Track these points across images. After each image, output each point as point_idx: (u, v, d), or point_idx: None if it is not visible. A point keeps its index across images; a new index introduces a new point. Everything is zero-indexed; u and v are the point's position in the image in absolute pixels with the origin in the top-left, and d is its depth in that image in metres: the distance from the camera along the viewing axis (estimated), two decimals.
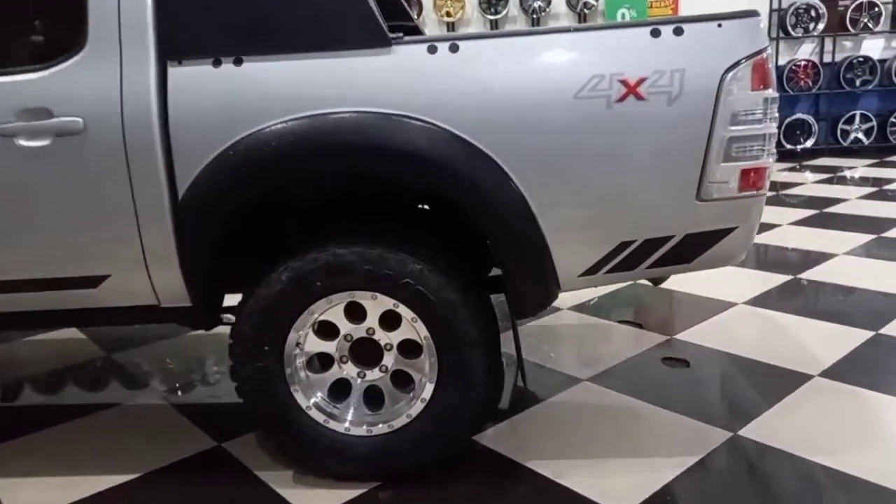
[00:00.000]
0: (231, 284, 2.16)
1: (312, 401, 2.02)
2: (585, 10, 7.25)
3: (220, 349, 3.03)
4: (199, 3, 1.81)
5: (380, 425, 2.01)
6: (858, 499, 1.93)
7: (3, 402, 2.75)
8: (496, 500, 1.98)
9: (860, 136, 7.73)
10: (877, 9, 7.41)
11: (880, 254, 4.07)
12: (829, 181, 6.40)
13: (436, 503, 1.98)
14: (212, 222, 1.88)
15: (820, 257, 4.04)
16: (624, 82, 1.77)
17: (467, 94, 1.78)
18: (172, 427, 2.45)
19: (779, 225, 4.80)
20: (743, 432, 2.24)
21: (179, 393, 2.73)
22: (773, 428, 2.27)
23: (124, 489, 2.10)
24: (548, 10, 7.29)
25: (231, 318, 2.03)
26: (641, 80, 1.77)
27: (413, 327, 1.93)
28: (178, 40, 1.82)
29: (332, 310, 1.95)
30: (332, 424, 2.02)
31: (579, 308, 3.41)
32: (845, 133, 7.75)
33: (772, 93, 1.83)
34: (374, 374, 2.02)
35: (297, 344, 1.97)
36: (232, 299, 2.13)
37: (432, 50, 1.80)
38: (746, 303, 3.37)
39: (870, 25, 7.46)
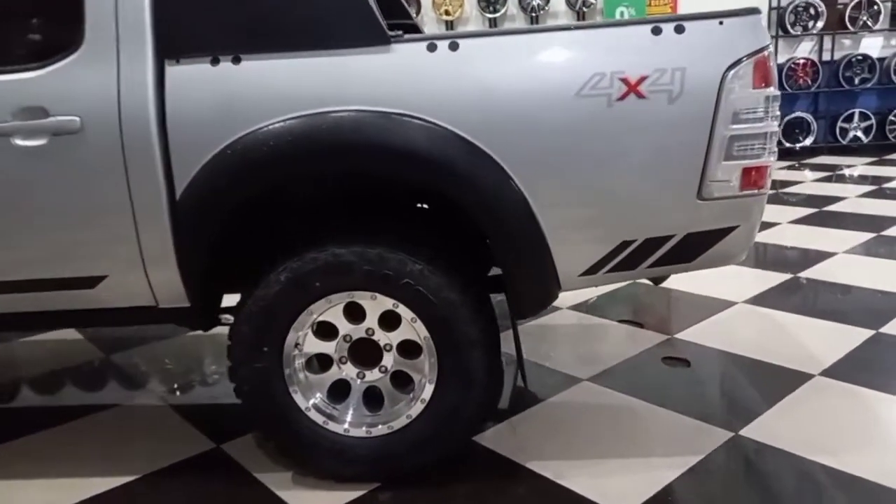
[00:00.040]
0: (229, 285, 2.14)
1: (311, 402, 2.00)
2: (584, 9, 7.24)
3: (218, 350, 3.02)
4: (197, 1, 1.80)
5: (379, 426, 2.00)
6: (860, 499, 1.92)
7: (1, 403, 2.73)
8: (496, 502, 1.97)
9: (859, 134, 7.72)
10: (876, 7, 7.40)
11: (880, 252, 4.07)
12: (828, 179, 6.40)
13: None
14: (210, 222, 1.87)
15: (819, 256, 4.03)
16: (625, 81, 1.76)
17: (467, 93, 1.77)
18: (171, 428, 2.44)
19: (778, 223, 4.80)
20: (744, 432, 2.24)
21: (178, 394, 2.72)
22: (774, 427, 2.26)
23: (123, 491, 2.09)
24: (546, 8, 7.28)
25: (229, 318, 2.01)
26: (642, 79, 1.76)
27: (413, 328, 1.92)
28: (176, 39, 1.80)
29: (331, 310, 1.94)
30: (332, 426, 2.01)
31: (579, 307, 3.40)
32: (844, 131, 7.74)
33: (773, 91, 1.82)
34: (373, 375, 2.01)
35: (296, 345, 1.96)
36: (230, 299, 2.11)
37: (432, 48, 1.78)
38: (746, 302, 3.36)
39: (869, 24, 7.45)
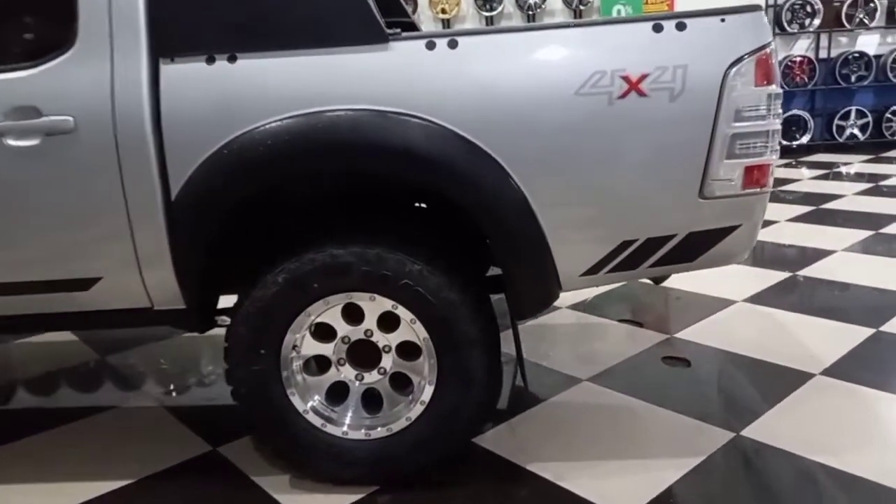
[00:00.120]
0: (226, 286, 2.12)
1: (310, 404, 1.98)
2: (581, 7, 7.22)
3: (215, 351, 2.99)
4: None
5: (378, 428, 1.98)
6: (862, 499, 1.91)
7: None
8: None
9: (855, 131, 7.73)
10: (872, 4, 7.41)
11: (878, 250, 4.06)
12: (825, 177, 6.39)
13: None
14: (206, 222, 1.84)
15: (818, 254, 4.02)
16: (626, 78, 1.74)
17: (466, 91, 1.75)
18: (167, 431, 2.41)
19: (776, 221, 4.79)
20: (745, 432, 2.22)
21: (174, 396, 2.69)
22: (775, 428, 2.24)
23: (118, 495, 2.07)
24: (543, 6, 7.26)
25: (226, 320, 1.99)
26: (643, 77, 1.74)
27: (412, 329, 1.90)
28: (171, 37, 1.78)
29: (329, 311, 1.92)
30: (330, 428, 1.98)
31: (578, 307, 3.38)
32: (841, 129, 7.74)
33: (775, 89, 1.80)
34: (372, 377, 1.98)
35: (294, 346, 1.94)
36: (227, 300, 2.09)
37: (430, 46, 1.76)
38: (746, 300, 3.35)
39: (865, 21, 7.45)
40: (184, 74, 1.77)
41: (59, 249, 1.88)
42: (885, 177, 6.22)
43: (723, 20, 1.77)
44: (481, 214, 1.81)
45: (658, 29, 1.76)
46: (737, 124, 1.77)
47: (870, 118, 7.68)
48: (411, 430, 1.97)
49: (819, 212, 5.07)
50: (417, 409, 1.95)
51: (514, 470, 2.10)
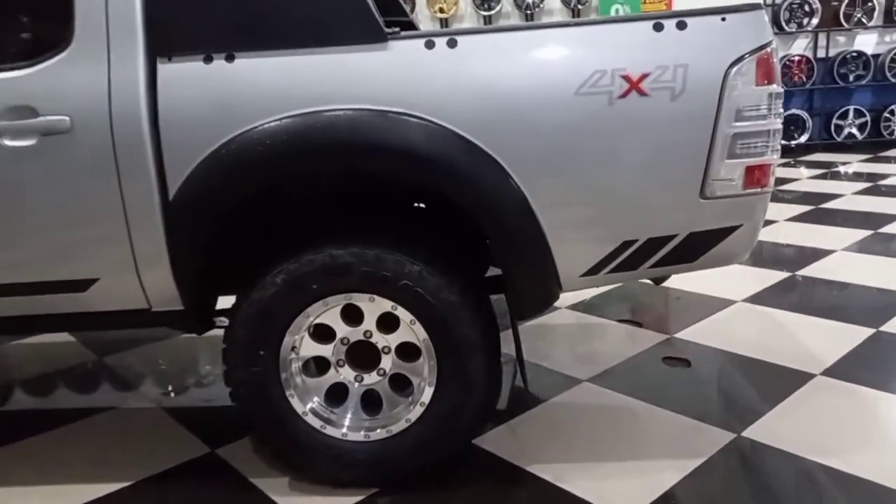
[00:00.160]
0: (224, 287, 2.11)
1: (309, 406, 1.97)
2: (579, 6, 7.22)
3: (213, 351, 2.98)
4: None
5: (378, 430, 1.97)
6: (864, 500, 1.90)
7: None
8: None
9: (854, 131, 7.73)
10: (870, 3, 7.40)
11: (878, 250, 4.05)
12: (823, 177, 6.39)
13: None
14: (204, 223, 1.83)
15: (817, 254, 4.02)
16: (626, 78, 1.73)
17: (466, 91, 1.74)
18: (165, 432, 2.40)
19: (775, 221, 4.78)
20: (746, 433, 2.21)
21: (172, 397, 2.68)
22: (776, 428, 2.23)
23: (115, 498, 2.05)
24: (541, 5, 7.25)
25: (224, 321, 1.98)
26: (644, 76, 1.73)
27: (411, 330, 1.89)
28: (168, 36, 1.76)
29: (328, 312, 1.90)
30: (329, 430, 1.97)
31: (577, 307, 3.37)
32: (839, 128, 7.74)
33: (776, 88, 1.79)
34: (371, 378, 1.97)
35: (293, 348, 1.93)
36: (225, 301, 2.08)
37: (430, 45, 1.75)
38: (745, 300, 3.34)
39: (863, 20, 7.45)
40: (181, 74, 1.76)
41: (55, 250, 1.86)
42: (884, 176, 6.22)
43: (723, 19, 1.76)
44: (481, 214, 1.80)
45: (658, 28, 1.75)
46: (738, 124, 1.76)
47: (868, 117, 7.68)
48: (411, 432, 1.96)
49: (818, 211, 5.06)
50: (417, 411, 1.94)
51: (514, 471, 2.09)
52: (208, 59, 1.75)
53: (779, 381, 2.53)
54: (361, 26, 1.75)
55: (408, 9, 6.17)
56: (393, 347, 1.94)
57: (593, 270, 1.87)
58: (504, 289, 2.08)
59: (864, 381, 2.51)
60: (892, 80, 7.53)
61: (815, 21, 7.43)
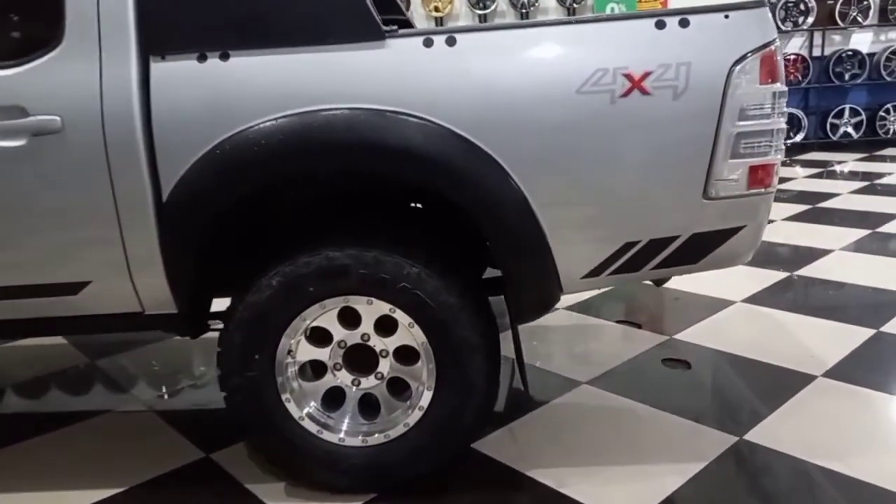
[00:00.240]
0: (219, 289, 2.07)
1: (305, 411, 1.93)
2: (574, 5, 7.19)
3: (207, 353, 2.94)
4: None
5: (376, 435, 1.93)
6: None
7: None
8: None
9: (849, 130, 7.74)
10: (865, 2, 7.41)
11: (876, 249, 4.04)
12: (819, 176, 6.39)
13: None
14: (198, 224, 1.79)
15: (815, 254, 4.00)
16: (628, 76, 1.70)
17: (465, 89, 1.71)
18: (158, 437, 2.36)
19: (773, 220, 4.77)
20: (748, 436, 2.19)
21: (165, 400, 2.64)
22: (778, 431, 2.21)
23: None
24: (537, 4, 7.23)
25: (219, 324, 1.94)
26: (646, 74, 1.70)
27: (410, 333, 1.86)
28: (161, 34, 1.73)
29: (325, 315, 1.87)
30: (326, 435, 1.94)
31: (575, 307, 3.34)
32: (835, 127, 7.75)
33: (780, 87, 1.77)
34: (369, 382, 1.94)
35: (289, 351, 1.89)
36: (220, 303, 2.04)
37: (428, 43, 1.72)
38: (744, 301, 3.32)
39: (859, 19, 7.46)
40: (175, 73, 1.72)
41: (46, 253, 1.82)
42: (880, 175, 6.22)
43: (727, 16, 1.73)
44: (480, 215, 1.77)
45: (661, 26, 1.72)
46: (741, 123, 1.74)
47: (863, 116, 7.69)
48: (409, 437, 1.92)
49: (815, 210, 5.05)
50: (416, 415, 1.91)
51: (514, 476, 2.06)
52: (202, 58, 1.72)
53: (780, 383, 2.51)
54: (359, 24, 1.72)
55: (403, 7, 6.12)
56: (391, 351, 1.90)
57: (595, 272, 1.85)
58: (504, 291, 2.05)
59: (865, 382, 2.49)
60: (888, 78, 7.54)
61: (810, 20, 7.43)
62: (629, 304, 3.39)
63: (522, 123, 1.71)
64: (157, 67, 1.72)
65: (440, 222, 2.17)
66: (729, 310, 3.23)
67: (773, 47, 1.74)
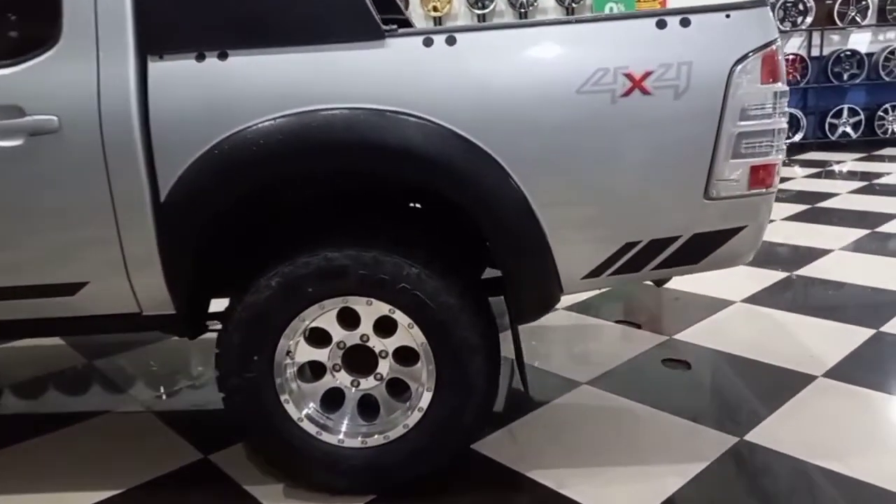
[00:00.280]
0: (217, 290, 2.06)
1: (304, 412, 1.92)
2: (573, 5, 7.19)
3: (205, 354, 2.93)
4: None
5: (375, 436, 1.93)
6: None
7: None
8: None
9: (848, 130, 7.74)
10: (864, 2, 7.41)
11: (875, 249, 4.04)
12: (818, 176, 6.39)
13: None
14: (196, 225, 1.78)
15: (815, 253, 4.00)
16: (629, 76, 1.69)
17: (465, 89, 1.70)
18: (156, 438, 2.35)
19: (772, 220, 4.75)
20: (749, 437, 2.18)
21: (163, 400, 2.63)
22: (779, 432, 2.20)
23: None
24: (535, 4, 7.22)
25: (217, 325, 1.93)
26: (647, 74, 1.69)
27: (409, 333, 1.85)
28: (159, 33, 1.72)
29: (324, 316, 1.86)
30: (325, 436, 1.93)
31: (574, 307, 3.34)
32: (833, 127, 7.75)
33: (782, 86, 1.76)
34: (368, 383, 1.93)
35: (288, 352, 1.88)
36: (218, 304, 2.03)
37: (428, 43, 1.71)
38: (744, 301, 3.32)
39: (857, 19, 7.46)
40: (173, 72, 1.71)
41: (43, 253, 1.81)
42: (878, 175, 6.22)
43: (728, 16, 1.72)
44: (480, 215, 1.76)
45: (662, 25, 1.71)
46: (742, 123, 1.73)
47: (862, 116, 7.69)
48: (409, 438, 1.92)
49: (814, 210, 5.05)
50: (415, 417, 1.90)
51: (514, 477, 2.05)
52: (200, 57, 1.71)
53: (780, 384, 2.50)
54: (358, 23, 1.71)
55: (402, 7, 6.11)
56: (390, 351, 1.89)
57: (595, 272, 1.84)
58: (504, 291, 2.04)
59: (865, 382, 2.48)
60: (886, 78, 7.55)
61: (809, 20, 7.43)
62: (628, 304, 3.38)
63: (523, 123, 1.70)
64: (155, 67, 1.71)
65: (440, 222, 2.16)
66: (728, 310, 3.23)
67: (774, 47, 1.73)
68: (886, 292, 3.34)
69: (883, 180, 5.99)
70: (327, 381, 1.94)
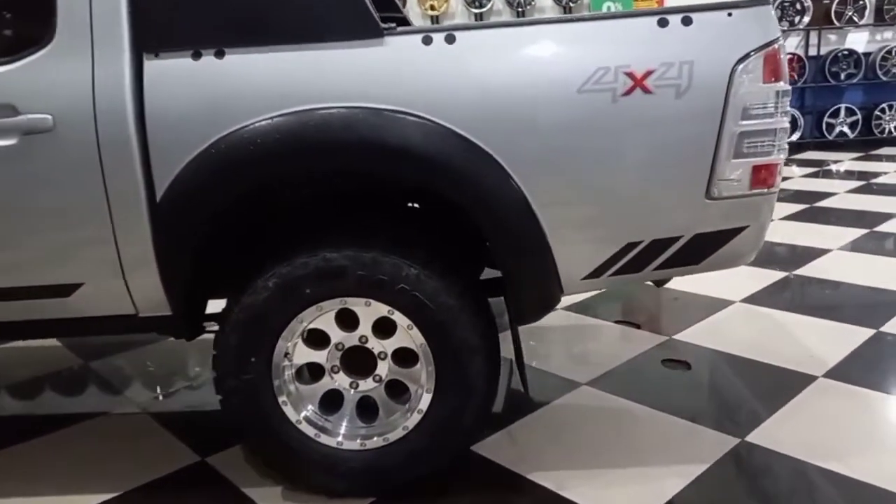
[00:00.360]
0: (214, 291, 2.04)
1: (303, 414, 1.91)
2: (571, 4, 7.17)
3: (203, 354, 2.91)
4: None
5: (374, 438, 1.91)
6: None
7: None
8: None
9: (845, 129, 7.74)
10: (861, 2, 7.41)
11: (874, 249, 4.03)
12: (815, 175, 6.38)
13: None
14: (193, 225, 1.76)
15: (814, 253, 3.99)
16: (630, 75, 1.67)
17: (464, 88, 1.68)
18: (153, 440, 2.33)
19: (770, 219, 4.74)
20: (750, 438, 2.17)
21: (160, 402, 2.61)
22: (779, 433, 2.19)
23: None
24: (533, 3, 7.20)
25: (215, 326, 1.91)
26: (649, 73, 1.68)
27: (409, 335, 1.83)
28: (155, 31, 1.70)
29: (322, 317, 1.84)
30: (324, 438, 1.91)
31: (573, 307, 3.32)
32: (830, 126, 7.75)
33: (783, 85, 1.75)
34: (367, 385, 1.91)
35: (286, 354, 1.86)
36: (216, 305, 2.01)
37: (427, 41, 1.69)
38: (743, 301, 3.31)
39: (854, 18, 7.46)
40: (169, 70, 1.69)
41: (37, 253, 1.79)
42: (876, 174, 6.22)
43: (730, 14, 1.71)
44: (480, 215, 1.74)
45: (663, 23, 1.70)
46: (744, 122, 1.72)
47: (859, 116, 7.69)
48: (408, 440, 1.90)
49: (812, 210, 5.04)
50: (415, 419, 1.88)
51: (514, 479, 2.03)
52: (197, 56, 1.69)
53: (780, 384, 2.49)
54: (356, 21, 1.69)
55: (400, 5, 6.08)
56: (389, 353, 1.88)
57: (596, 273, 1.82)
58: (504, 291, 2.02)
59: (866, 383, 2.47)
60: (883, 78, 7.54)
61: (806, 19, 7.43)
62: (628, 305, 3.37)
63: (523, 122, 1.69)
64: (151, 65, 1.69)
65: (439, 222, 2.14)
66: (728, 310, 3.22)
67: (776, 46, 1.72)
68: (885, 292, 3.33)
69: (880, 180, 5.99)
70: (326, 383, 1.92)
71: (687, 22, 1.70)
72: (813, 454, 2.07)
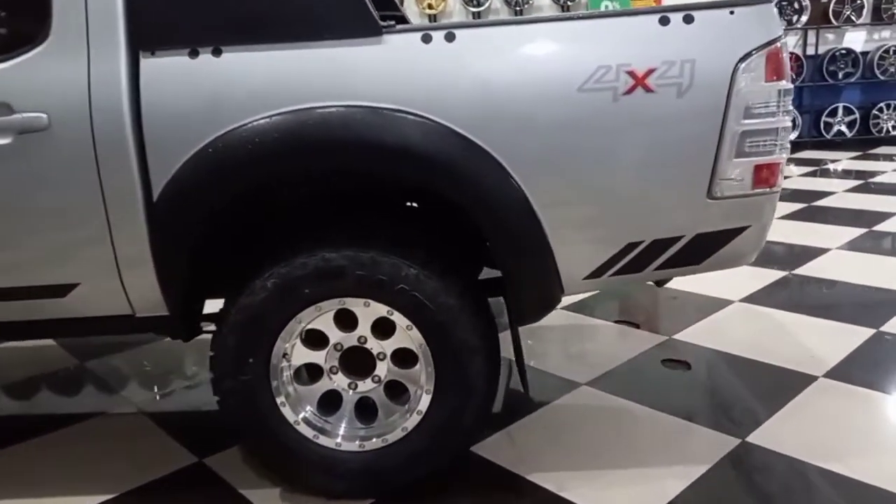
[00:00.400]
0: (212, 291, 2.02)
1: (301, 415, 1.89)
2: (569, 2, 7.16)
3: (200, 354, 2.89)
4: None
5: (373, 439, 1.89)
6: None
7: None
8: None
9: (843, 128, 7.74)
10: (859, 1, 7.41)
11: (873, 248, 4.03)
12: (813, 174, 6.38)
13: None
14: (190, 225, 1.75)
15: (813, 252, 3.98)
16: (631, 73, 1.66)
17: (464, 87, 1.67)
18: (150, 441, 2.31)
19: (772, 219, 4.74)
20: (751, 438, 2.16)
21: (157, 402, 2.59)
22: (780, 433, 2.18)
23: None
24: (531, 1, 7.19)
25: (212, 326, 1.90)
26: (650, 72, 1.66)
27: (408, 335, 1.82)
28: (151, 29, 1.68)
29: (321, 318, 1.83)
30: (322, 439, 1.90)
31: (572, 307, 3.31)
32: (828, 126, 7.75)
33: (786, 84, 1.74)
34: (366, 386, 1.90)
35: (284, 355, 1.85)
36: (213, 305, 1.99)
37: (427, 39, 1.68)
38: (743, 300, 3.30)
39: (852, 18, 7.46)
40: (165, 69, 1.67)
41: (33, 253, 1.77)
42: (873, 173, 6.22)
43: (732, 13, 1.70)
44: (480, 214, 1.73)
45: (665, 22, 1.68)
46: (746, 121, 1.71)
47: (857, 115, 7.70)
48: (407, 441, 1.89)
49: (810, 209, 5.04)
50: (414, 420, 1.87)
51: (514, 480, 2.02)
52: (194, 53, 1.67)
53: (780, 384, 2.48)
54: (355, 19, 1.67)
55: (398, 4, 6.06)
56: (388, 353, 1.86)
57: (597, 273, 1.81)
58: (504, 292, 2.01)
59: (866, 383, 2.47)
60: (881, 77, 7.55)
61: (804, 18, 7.43)
62: (627, 304, 3.36)
63: (523, 121, 1.68)
64: (147, 63, 1.68)
65: (438, 222, 2.13)
66: (727, 309, 3.21)
67: (778, 44, 1.71)
68: (885, 291, 3.33)
69: (878, 179, 5.99)
70: (324, 384, 1.90)
71: (688, 20, 1.68)
72: (813, 454, 2.06)
